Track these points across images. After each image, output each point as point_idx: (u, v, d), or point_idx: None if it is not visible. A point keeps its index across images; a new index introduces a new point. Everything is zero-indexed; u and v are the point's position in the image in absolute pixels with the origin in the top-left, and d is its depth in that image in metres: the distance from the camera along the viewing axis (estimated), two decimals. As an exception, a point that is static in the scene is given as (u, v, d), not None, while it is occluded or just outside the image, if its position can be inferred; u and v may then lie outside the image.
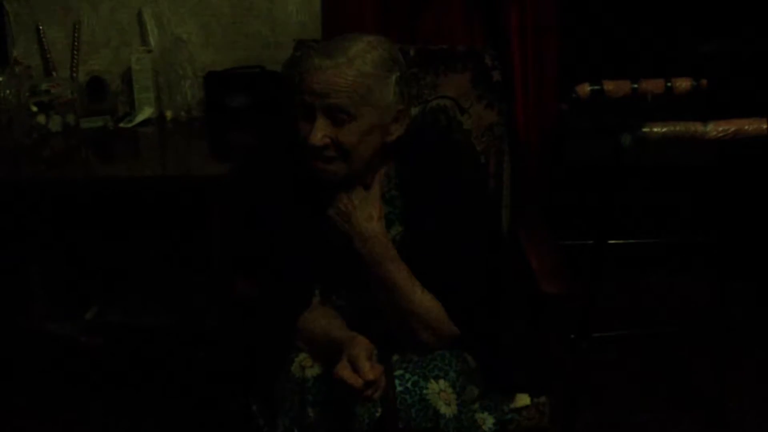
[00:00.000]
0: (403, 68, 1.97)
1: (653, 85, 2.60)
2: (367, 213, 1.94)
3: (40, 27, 2.99)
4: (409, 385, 1.82)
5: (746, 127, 2.30)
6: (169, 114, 2.93)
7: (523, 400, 2.02)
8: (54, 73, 2.99)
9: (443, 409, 1.80)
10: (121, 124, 2.89)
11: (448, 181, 2.02)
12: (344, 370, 1.74)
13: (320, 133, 1.89)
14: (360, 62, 1.89)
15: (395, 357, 1.89)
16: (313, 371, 1.87)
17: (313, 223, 2.00)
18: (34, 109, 2.77)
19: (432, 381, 1.83)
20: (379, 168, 2.03)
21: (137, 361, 2.93)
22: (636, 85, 2.60)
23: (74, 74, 2.98)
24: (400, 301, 1.90)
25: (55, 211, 2.84)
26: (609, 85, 2.61)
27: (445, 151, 2.14)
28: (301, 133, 1.92)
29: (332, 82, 1.87)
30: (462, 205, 2.00)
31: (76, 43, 2.99)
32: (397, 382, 1.82)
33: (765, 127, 2.28)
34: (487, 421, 1.94)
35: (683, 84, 2.61)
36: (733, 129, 2.29)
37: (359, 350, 1.76)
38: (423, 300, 1.91)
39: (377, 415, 1.82)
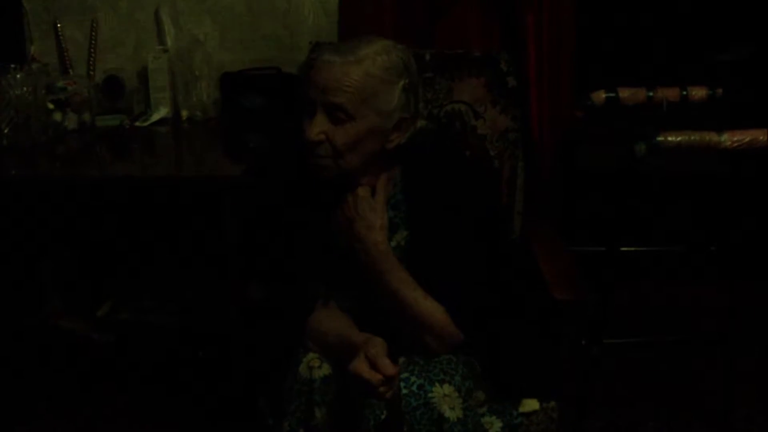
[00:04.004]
0: (413, 77, 1.96)
1: (669, 93, 2.60)
2: (368, 222, 1.94)
3: (58, 25, 3.00)
4: (414, 388, 1.81)
5: (761, 138, 2.29)
6: (184, 114, 2.94)
7: (532, 404, 2.02)
8: (71, 71, 3.00)
9: (448, 413, 1.79)
10: (137, 123, 2.89)
11: (453, 186, 2.02)
12: (362, 366, 1.74)
13: (317, 128, 1.89)
14: (369, 63, 1.89)
15: (401, 359, 1.88)
16: (320, 372, 1.87)
17: (322, 224, 2.01)
18: (51, 106, 2.78)
19: (437, 385, 1.82)
20: (380, 172, 2.01)
21: (149, 358, 2.94)
22: (651, 93, 2.60)
23: (91, 72, 3.00)
24: (400, 307, 1.91)
25: (69, 209, 2.84)
26: (624, 93, 2.60)
27: (450, 156, 2.14)
28: (303, 128, 1.92)
29: (336, 79, 1.87)
30: (467, 210, 1.99)
31: (93, 42, 3.00)
32: (402, 384, 1.81)
33: (780, 137, 2.28)
34: (495, 425, 1.95)
35: (699, 92, 2.60)
36: (747, 139, 2.28)
37: (378, 348, 1.76)
38: (425, 306, 1.90)
39: (382, 417, 1.83)
